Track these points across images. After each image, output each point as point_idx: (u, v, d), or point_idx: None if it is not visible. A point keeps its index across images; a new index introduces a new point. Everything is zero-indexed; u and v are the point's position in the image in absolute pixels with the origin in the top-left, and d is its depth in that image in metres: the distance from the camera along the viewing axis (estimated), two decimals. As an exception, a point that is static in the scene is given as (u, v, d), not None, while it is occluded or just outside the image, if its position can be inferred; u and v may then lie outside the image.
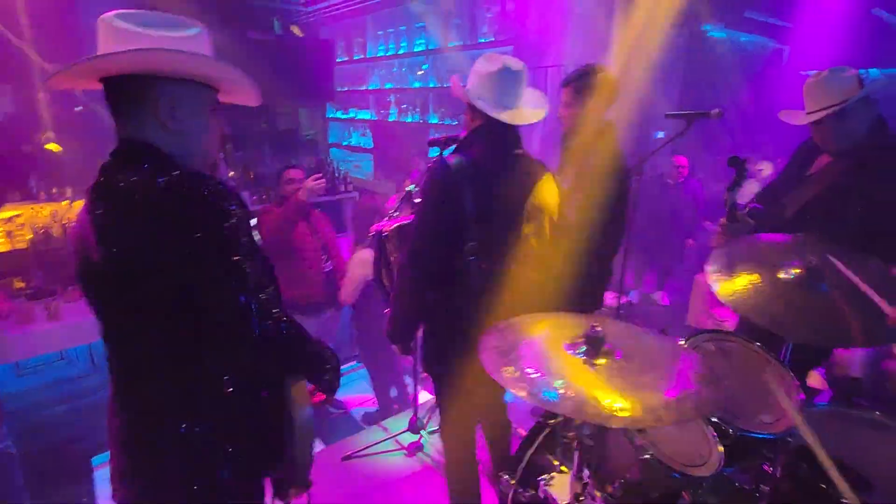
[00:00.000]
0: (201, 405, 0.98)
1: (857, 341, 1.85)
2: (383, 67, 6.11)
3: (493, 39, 4.62)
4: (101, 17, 0.95)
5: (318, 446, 2.84)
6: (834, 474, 0.90)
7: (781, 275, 1.54)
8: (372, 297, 2.90)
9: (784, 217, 2.02)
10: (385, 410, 3.22)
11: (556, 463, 1.64)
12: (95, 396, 3.35)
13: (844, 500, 0.89)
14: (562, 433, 1.34)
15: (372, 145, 6.59)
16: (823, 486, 1.43)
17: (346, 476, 2.53)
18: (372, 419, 3.20)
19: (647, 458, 1.26)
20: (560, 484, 1.28)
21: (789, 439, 1.44)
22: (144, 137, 0.96)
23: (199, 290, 0.91)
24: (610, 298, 2.68)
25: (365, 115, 6.61)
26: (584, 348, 1.08)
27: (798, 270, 1.53)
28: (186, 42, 0.96)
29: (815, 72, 1.90)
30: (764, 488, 1.56)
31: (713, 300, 4.12)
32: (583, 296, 2.02)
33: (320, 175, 2.78)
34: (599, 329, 1.06)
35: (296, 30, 5.73)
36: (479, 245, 1.55)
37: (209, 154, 1.07)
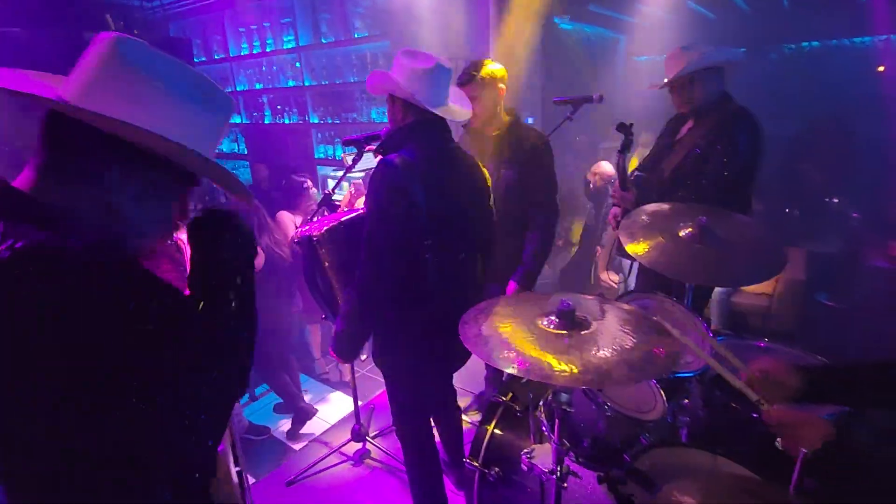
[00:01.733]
0: None
1: (741, 280, 2.25)
2: (250, 67, 5.70)
3: (367, 34, 4.55)
4: (117, 38, 0.72)
5: (251, 479, 2.63)
6: (739, 384, 1.08)
7: (681, 233, 1.80)
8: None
9: (662, 180, 2.35)
10: (292, 399, 3.11)
11: (513, 436, 1.75)
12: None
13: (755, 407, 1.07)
14: (533, 408, 1.42)
15: (247, 151, 6.14)
16: (734, 405, 1.73)
17: (296, 502, 2.39)
18: (282, 408, 3.18)
19: (609, 414, 1.39)
20: (541, 454, 1.36)
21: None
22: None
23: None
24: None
25: (235, 118, 6.11)
26: (558, 322, 1.15)
27: (691, 229, 1.79)
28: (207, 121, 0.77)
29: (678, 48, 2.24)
30: (683, 419, 1.82)
31: (599, 268, 4.60)
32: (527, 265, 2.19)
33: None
34: (570, 303, 1.15)
35: (136, 32, 5.07)
36: (434, 242, 1.55)
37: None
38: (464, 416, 2.70)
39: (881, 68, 5.71)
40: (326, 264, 1.81)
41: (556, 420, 1.25)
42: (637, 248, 1.81)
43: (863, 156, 5.13)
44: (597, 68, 7.37)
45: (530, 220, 2.19)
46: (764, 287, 3.94)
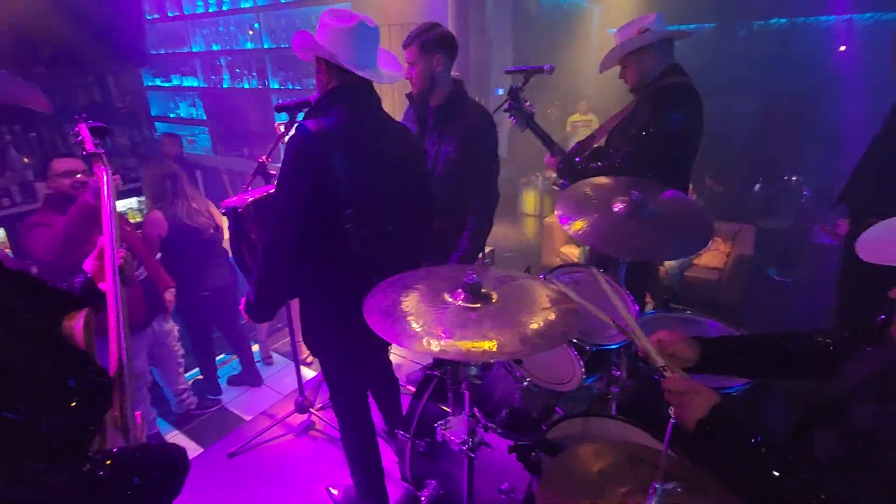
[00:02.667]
0: None
1: (669, 254, 2.29)
2: (206, 27, 5.43)
3: (328, -5, 4.37)
4: None
5: (196, 450, 2.62)
6: (649, 348, 1.10)
7: (615, 209, 1.80)
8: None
9: (593, 145, 2.42)
10: (249, 367, 3.14)
11: (447, 409, 1.76)
12: None
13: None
14: (451, 379, 1.43)
15: (206, 116, 5.91)
16: (657, 377, 1.78)
17: (236, 473, 2.40)
18: (235, 380, 3.17)
19: (525, 386, 1.41)
20: (455, 426, 1.38)
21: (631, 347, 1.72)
22: None
23: None
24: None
25: (192, 81, 5.85)
26: (463, 295, 1.15)
27: (624, 204, 1.80)
28: None
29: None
30: (614, 390, 1.87)
31: (560, 241, 4.63)
32: (463, 248, 2.15)
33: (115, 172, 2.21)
34: (476, 276, 1.14)
35: None
36: (355, 212, 1.50)
37: None
38: (408, 387, 2.73)
39: (842, 48, 5.77)
40: (253, 236, 1.76)
41: (465, 392, 1.26)
42: (574, 226, 1.80)
43: (819, 134, 5.22)
44: (570, 38, 7.28)
45: (468, 204, 2.12)
46: (715, 262, 4.05)
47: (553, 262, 4.57)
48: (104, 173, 1.31)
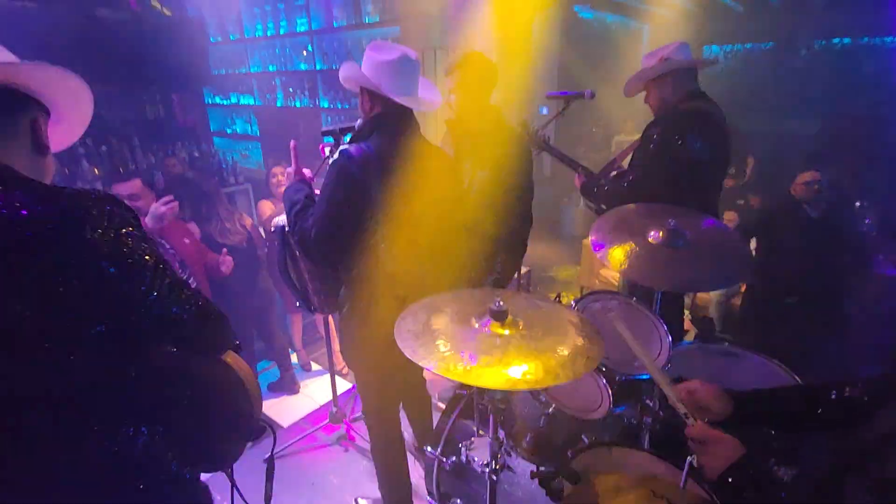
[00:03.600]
0: None
1: (706, 286, 2.23)
2: (264, 48, 5.76)
3: (378, 19, 4.55)
4: None
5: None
6: (670, 395, 1.09)
7: (650, 239, 1.78)
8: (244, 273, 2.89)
9: (615, 167, 2.51)
10: (287, 374, 3.26)
11: (475, 429, 1.78)
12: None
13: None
14: (477, 401, 1.46)
15: (259, 133, 6.24)
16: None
17: (269, 476, 2.49)
18: (275, 387, 3.27)
19: (550, 412, 1.42)
20: (480, 446, 1.40)
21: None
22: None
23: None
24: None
25: (248, 100, 6.20)
26: (490, 321, 1.18)
27: (661, 233, 1.78)
28: None
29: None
30: (647, 421, 1.84)
31: (598, 264, 4.56)
32: (496, 271, 2.18)
33: (170, 198, 2.27)
34: (502, 303, 1.17)
35: (158, 5, 5.15)
36: (389, 231, 1.58)
37: None
38: (440, 404, 2.76)
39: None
40: (298, 253, 1.86)
41: (490, 416, 1.28)
42: (608, 253, 1.79)
43: (884, 158, 4.92)
44: (616, 58, 7.22)
45: (501, 227, 2.12)
46: (764, 291, 3.88)
47: (592, 284, 4.51)
48: None
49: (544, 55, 6.81)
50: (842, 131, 5.39)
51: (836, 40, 6.25)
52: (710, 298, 3.80)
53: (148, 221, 2.16)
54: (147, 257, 0.80)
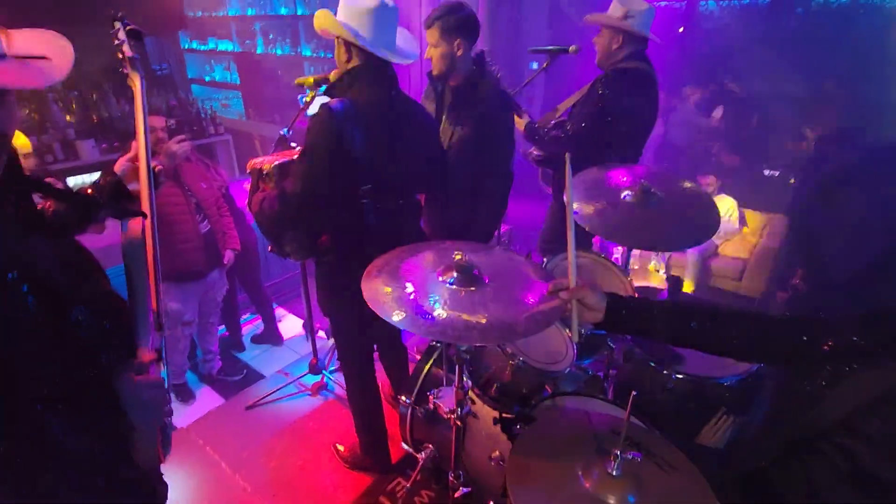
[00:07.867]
0: None
1: (677, 244, 2.29)
2: (242, -10, 5.48)
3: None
4: None
5: (218, 401, 2.83)
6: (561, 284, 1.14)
7: (624, 197, 1.81)
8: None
9: (556, 116, 2.60)
10: (270, 326, 3.33)
11: (445, 379, 1.85)
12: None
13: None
14: (445, 352, 1.51)
15: (239, 81, 6.02)
16: (652, 364, 1.81)
17: (251, 424, 2.58)
18: (259, 339, 3.36)
19: (516, 363, 1.48)
20: (447, 395, 1.46)
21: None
22: None
23: None
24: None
25: (227, 45, 5.94)
26: (454, 276, 1.21)
27: (632, 192, 1.80)
28: None
29: None
30: (612, 373, 1.92)
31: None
32: (476, 229, 2.20)
33: (183, 137, 2.22)
34: (465, 258, 1.19)
35: None
36: (373, 187, 1.58)
37: None
38: (417, 355, 2.84)
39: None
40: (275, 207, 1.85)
41: (457, 365, 1.33)
42: (581, 211, 1.81)
43: (871, 125, 4.92)
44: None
45: (482, 184, 2.13)
46: (739, 251, 3.96)
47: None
48: (139, 79, 1.32)
49: (532, 9, 6.58)
50: (829, 96, 5.34)
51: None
52: (686, 259, 3.89)
53: (163, 160, 2.16)
54: None
